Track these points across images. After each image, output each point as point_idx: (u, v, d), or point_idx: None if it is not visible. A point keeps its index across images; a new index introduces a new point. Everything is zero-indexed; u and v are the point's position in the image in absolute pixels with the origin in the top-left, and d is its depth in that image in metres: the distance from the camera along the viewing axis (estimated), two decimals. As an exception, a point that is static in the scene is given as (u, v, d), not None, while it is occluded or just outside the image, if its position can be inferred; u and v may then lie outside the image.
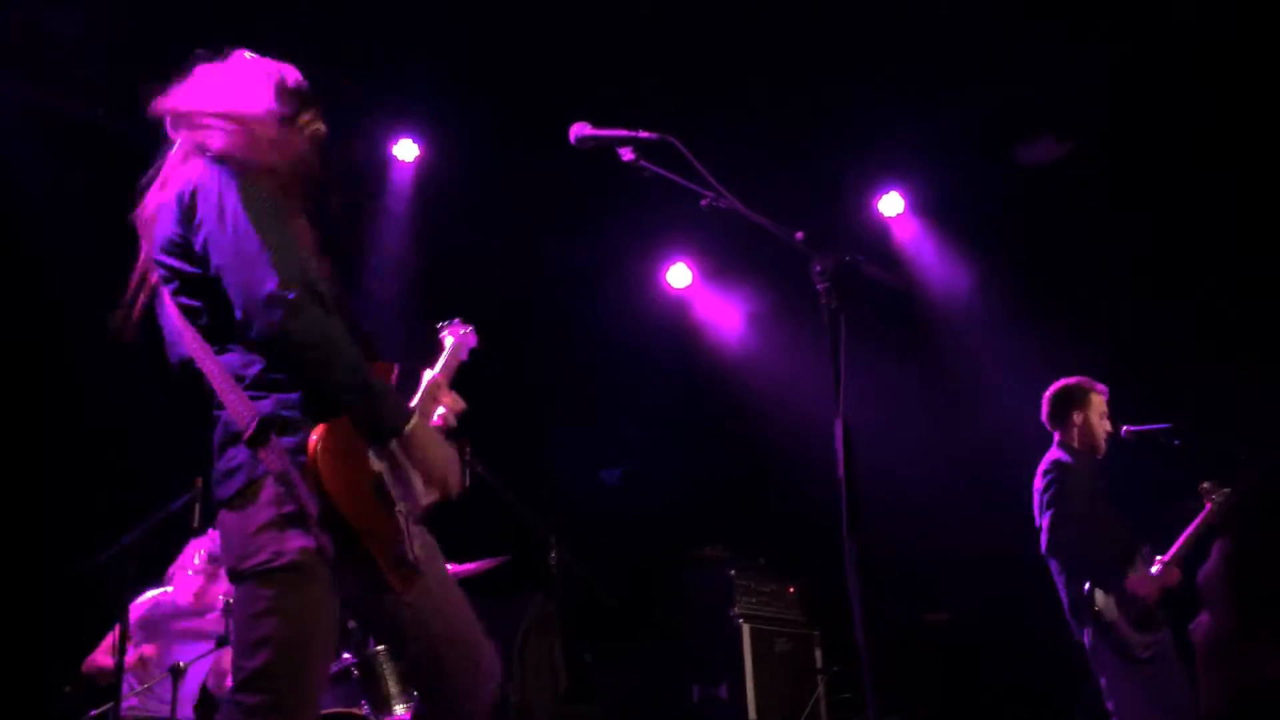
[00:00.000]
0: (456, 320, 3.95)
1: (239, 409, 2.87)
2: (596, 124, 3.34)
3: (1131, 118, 7.20)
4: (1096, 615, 5.40)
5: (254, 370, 2.90)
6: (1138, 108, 7.13)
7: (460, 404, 3.54)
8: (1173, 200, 7.20)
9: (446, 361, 3.74)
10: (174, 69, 3.13)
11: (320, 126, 3.22)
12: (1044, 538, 5.54)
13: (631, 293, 9.08)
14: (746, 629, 7.21)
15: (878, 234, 8.33)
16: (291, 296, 2.75)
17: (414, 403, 3.45)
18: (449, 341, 3.85)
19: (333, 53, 6.63)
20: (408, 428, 2.91)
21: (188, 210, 2.93)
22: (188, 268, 2.95)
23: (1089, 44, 6.94)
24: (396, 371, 3.17)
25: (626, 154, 3.29)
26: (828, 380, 2.93)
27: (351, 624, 5.54)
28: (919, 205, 8.28)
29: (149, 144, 3.15)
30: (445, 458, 3.02)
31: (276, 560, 2.81)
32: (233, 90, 3.11)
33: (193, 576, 5.93)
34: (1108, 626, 5.39)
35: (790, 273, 3.32)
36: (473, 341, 3.92)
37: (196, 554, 5.95)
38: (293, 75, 3.20)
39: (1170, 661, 5.48)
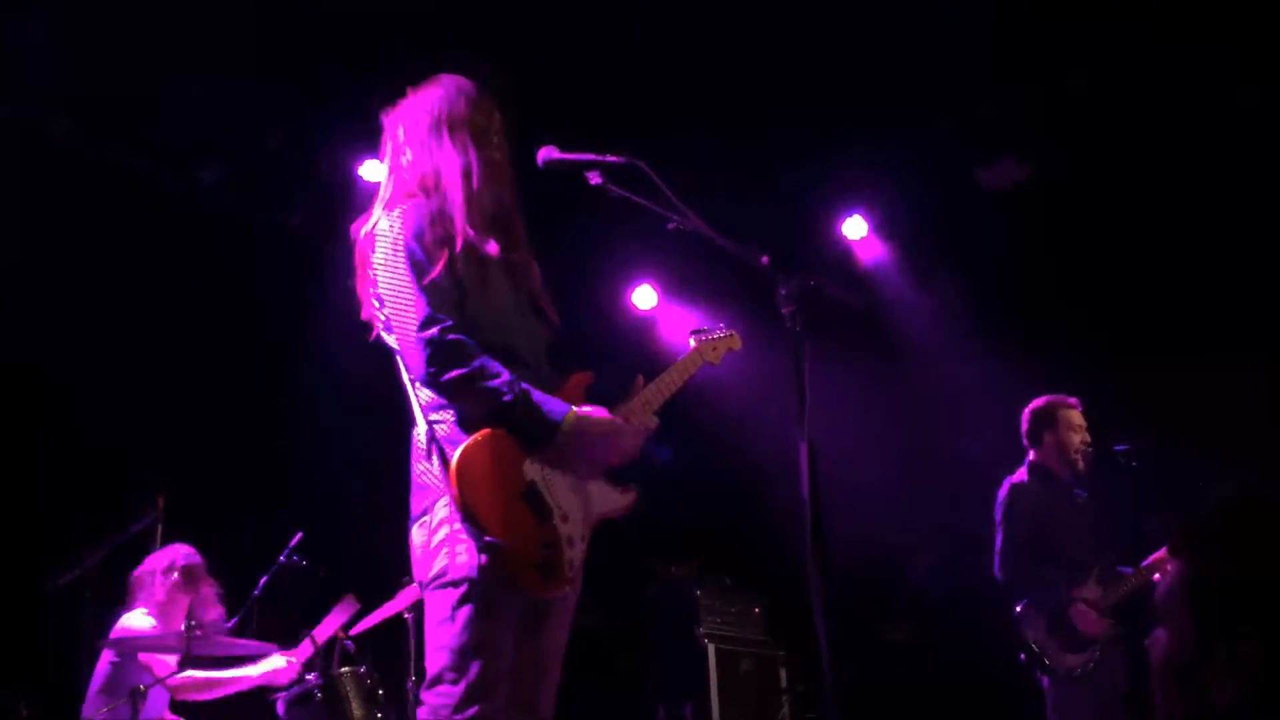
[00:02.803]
0: (720, 324, 3.86)
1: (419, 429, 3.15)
2: (563, 148, 3.37)
3: (1092, 140, 7.28)
4: (1024, 639, 5.56)
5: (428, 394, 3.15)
6: (1099, 131, 7.22)
7: (650, 423, 3.45)
8: (1133, 221, 7.29)
9: (671, 370, 3.60)
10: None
11: None
12: (993, 560, 5.74)
13: (597, 313, 9.08)
14: (712, 649, 7.16)
15: (842, 257, 8.38)
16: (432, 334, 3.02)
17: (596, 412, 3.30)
18: (692, 344, 3.76)
19: (297, 72, 6.64)
20: (566, 427, 3.07)
21: None
22: None
23: (1051, 68, 7.03)
24: (581, 380, 3.37)
25: (594, 177, 3.33)
26: (793, 401, 2.96)
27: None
28: (882, 228, 8.35)
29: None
30: (602, 440, 3.17)
31: (447, 574, 3.00)
32: None
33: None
34: (1035, 651, 5.54)
35: (755, 295, 3.35)
36: (736, 346, 3.82)
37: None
38: None
39: (1110, 676, 5.57)
